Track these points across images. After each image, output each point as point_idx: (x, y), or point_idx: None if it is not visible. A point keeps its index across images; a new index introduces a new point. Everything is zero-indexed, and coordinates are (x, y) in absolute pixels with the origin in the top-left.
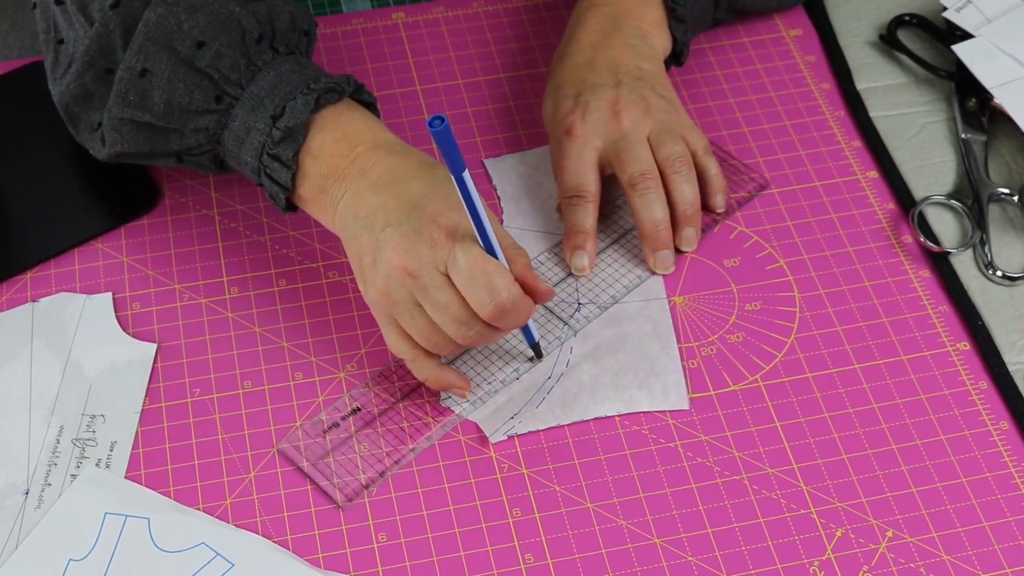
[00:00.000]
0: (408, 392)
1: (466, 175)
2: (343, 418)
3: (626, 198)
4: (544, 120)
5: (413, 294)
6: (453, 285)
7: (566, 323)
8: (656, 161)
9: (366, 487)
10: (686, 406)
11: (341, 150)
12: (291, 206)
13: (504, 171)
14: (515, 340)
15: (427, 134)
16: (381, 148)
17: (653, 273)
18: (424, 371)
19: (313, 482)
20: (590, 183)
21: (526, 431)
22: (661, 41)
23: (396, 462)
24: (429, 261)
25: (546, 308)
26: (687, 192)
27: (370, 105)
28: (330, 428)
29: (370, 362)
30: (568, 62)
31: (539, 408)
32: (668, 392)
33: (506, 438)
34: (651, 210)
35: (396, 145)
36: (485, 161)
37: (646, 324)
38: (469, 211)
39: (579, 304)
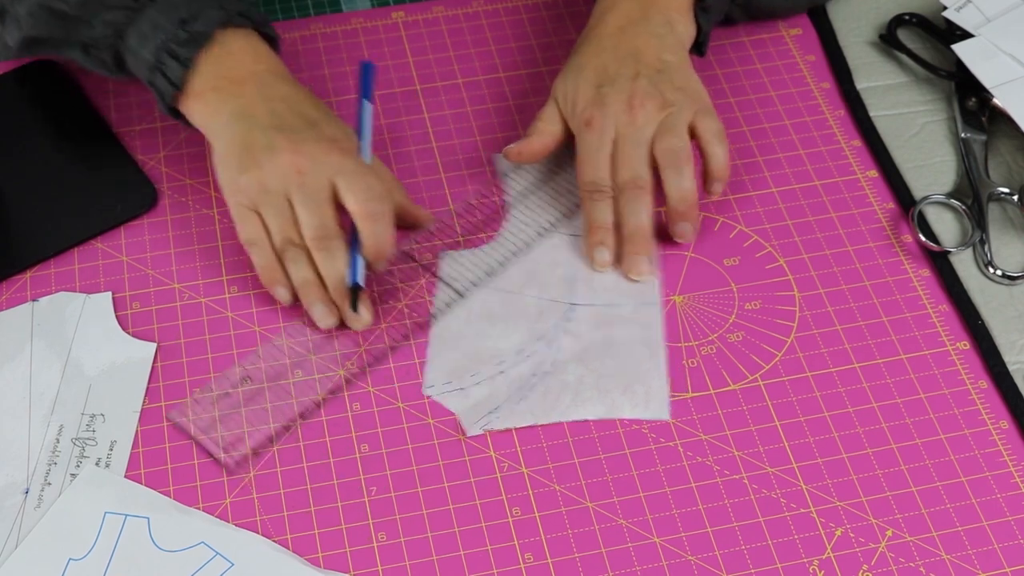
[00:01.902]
0: (299, 360)
1: (369, 105)
2: (233, 387)
3: (615, 195)
4: (560, 95)
5: (290, 191)
6: (334, 198)
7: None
8: (654, 154)
9: (254, 453)
10: (666, 416)
11: (245, 61)
12: (173, 111)
13: (512, 165)
14: (500, 336)
15: (423, 134)
16: (281, 76)
17: (633, 278)
18: (264, 258)
19: (203, 449)
20: (607, 178)
21: (503, 427)
22: (687, 29)
23: (285, 428)
24: (322, 165)
25: (542, 303)
26: (682, 186)
27: (272, 41)
28: (220, 397)
29: (369, 361)
30: (594, 45)
31: (519, 405)
32: (650, 400)
33: (482, 432)
34: (635, 215)
35: (294, 80)
36: (495, 156)
37: (636, 329)
38: (361, 138)
39: (571, 305)
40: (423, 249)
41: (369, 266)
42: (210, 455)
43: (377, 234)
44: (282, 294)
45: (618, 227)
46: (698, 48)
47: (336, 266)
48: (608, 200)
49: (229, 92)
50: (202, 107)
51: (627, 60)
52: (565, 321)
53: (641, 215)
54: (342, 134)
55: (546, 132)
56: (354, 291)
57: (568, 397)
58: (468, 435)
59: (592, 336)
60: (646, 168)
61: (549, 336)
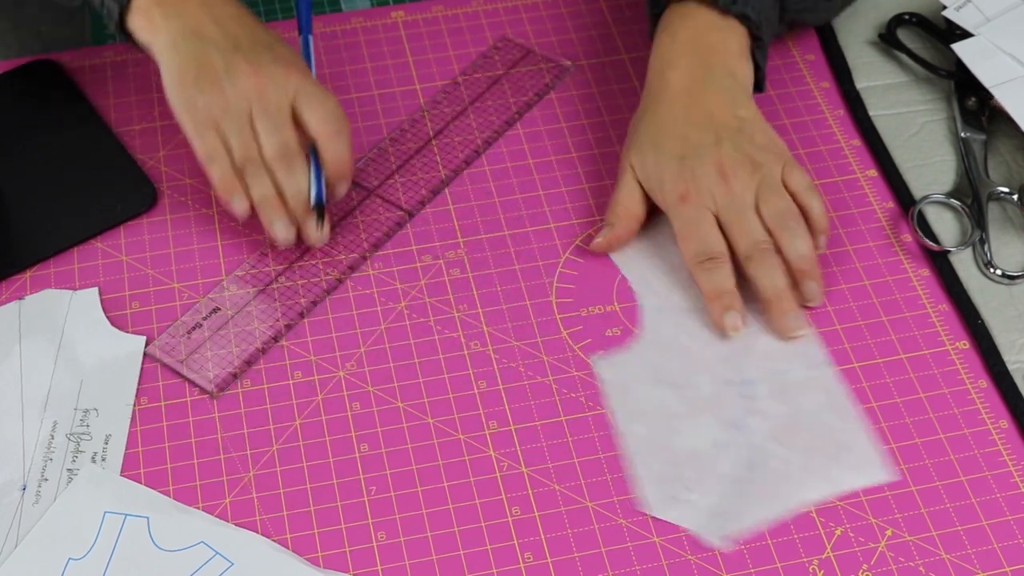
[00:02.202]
0: (264, 286)
1: (310, 39)
2: (204, 319)
3: (743, 271)
4: (640, 172)
5: (252, 111)
6: (292, 119)
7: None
8: (764, 219)
9: (235, 376)
10: (888, 477)
11: None
12: (122, 31)
13: (625, 250)
14: (692, 433)
15: (422, 133)
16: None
17: (789, 337)
18: (223, 171)
19: (185, 378)
20: (718, 243)
21: (742, 531)
22: (746, 73)
23: (261, 351)
24: (282, 87)
25: (715, 386)
26: (800, 247)
27: None
28: (193, 329)
29: (369, 361)
30: (664, 113)
31: (747, 504)
32: (863, 465)
33: (726, 543)
34: (770, 278)
35: (242, 5)
36: (612, 257)
37: (819, 395)
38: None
39: (746, 382)
40: (365, 173)
41: (329, 187)
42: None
43: (339, 153)
44: (240, 204)
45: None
46: (758, 86)
47: (298, 183)
48: (725, 266)
49: (173, 8)
50: (146, 23)
51: (705, 126)
52: (745, 400)
53: (776, 276)
54: (294, 57)
55: (630, 216)
56: (319, 208)
57: (786, 484)
58: (715, 548)
59: (777, 410)
60: (763, 231)
61: (737, 421)
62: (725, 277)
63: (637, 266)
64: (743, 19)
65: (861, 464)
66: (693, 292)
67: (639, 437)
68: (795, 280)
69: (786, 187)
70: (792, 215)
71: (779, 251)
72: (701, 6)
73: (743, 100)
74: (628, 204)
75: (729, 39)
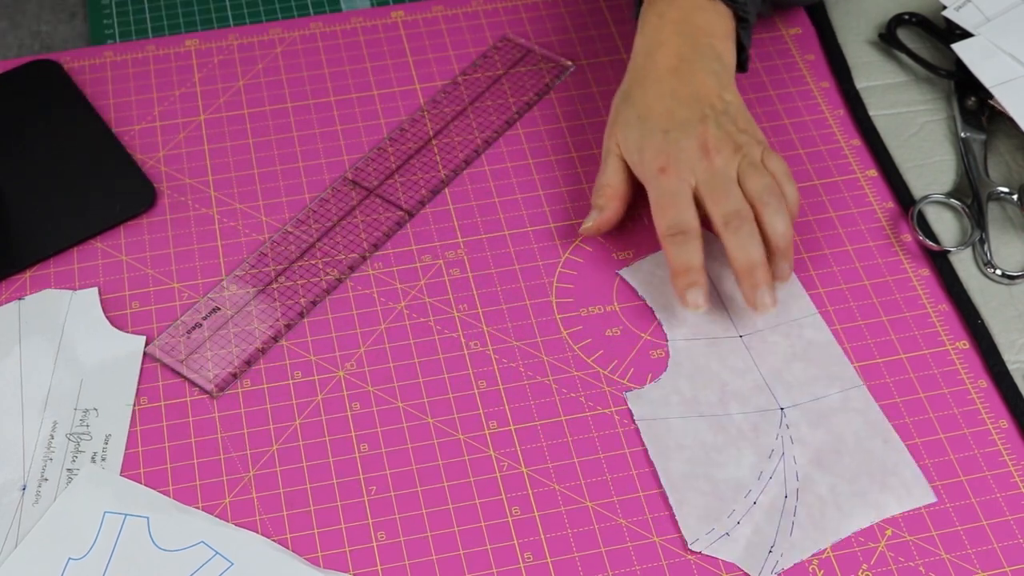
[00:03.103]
0: (266, 285)
1: None
2: (204, 319)
3: (719, 238)
4: (623, 146)
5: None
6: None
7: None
8: (746, 195)
9: (235, 376)
10: (932, 498)
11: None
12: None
13: (646, 278)
14: (731, 463)
15: (422, 132)
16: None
17: (758, 312)
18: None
19: (185, 378)
20: (692, 218)
21: (792, 564)
22: (731, 56)
23: (261, 351)
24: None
25: (751, 416)
26: (779, 224)
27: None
28: (193, 329)
29: (369, 360)
30: (651, 90)
31: (793, 535)
32: (911, 488)
33: None
34: (746, 249)
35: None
36: (621, 272)
37: (856, 418)
38: None
39: (781, 409)
40: (365, 173)
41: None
42: (195, 384)
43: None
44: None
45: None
46: (742, 66)
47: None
48: (695, 241)
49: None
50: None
51: (691, 103)
52: (784, 428)
53: (752, 247)
54: None
55: (617, 197)
56: None
57: (833, 512)
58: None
59: (816, 436)
60: (744, 202)
61: (778, 449)
62: (694, 252)
63: (661, 296)
64: (729, 1)
65: (908, 487)
66: (722, 322)
67: (677, 472)
68: (769, 257)
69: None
70: (774, 192)
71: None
72: None
73: (728, 83)
74: (614, 184)
75: (715, 21)
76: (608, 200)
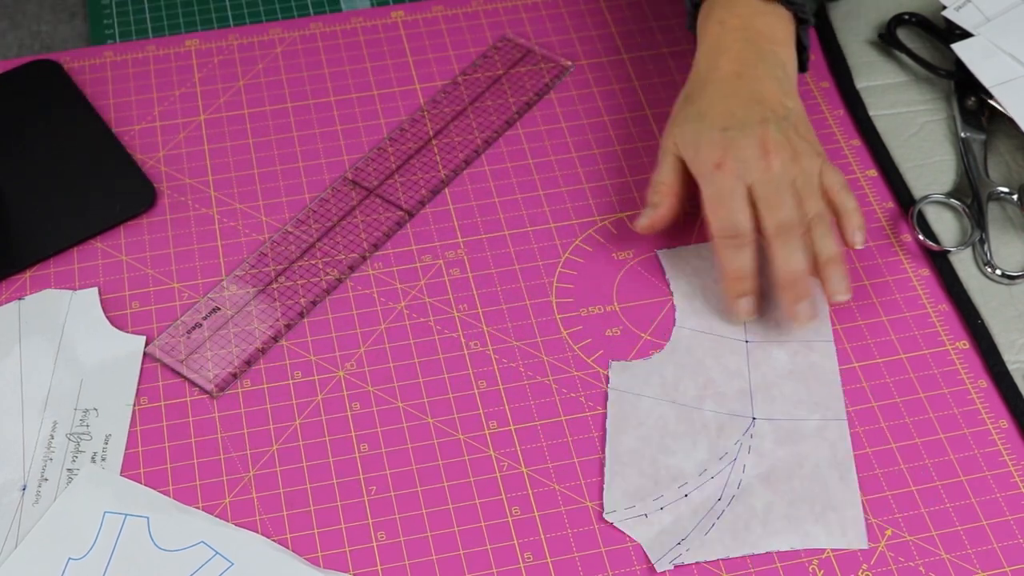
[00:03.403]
0: (266, 284)
1: None
2: (204, 319)
3: (765, 243)
4: (680, 143)
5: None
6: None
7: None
8: None
9: (235, 376)
10: (864, 545)
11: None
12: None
13: (679, 264)
14: (682, 454)
15: (422, 132)
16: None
17: (799, 324)
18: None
19: (185, 378)
20: (746, 221)
21: (694, 561)
22: (793, 62)
23: (261, 351)
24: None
25: (721, 416)
26: (828, 246)
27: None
28: (193, 329)
29: (369, 360)
30: (712, 90)
31: (708, 535)
32: (846, 528)
33: (672, 567)
34: (792, 259)
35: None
36: (659, 252)
37: (823, 447)
38: None
39: (753, 419)
40: (365, 173)
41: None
42: (195, 384)
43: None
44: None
45: (767, 274)
46: (803, 66)
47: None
48: (750, 248)
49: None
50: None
51: (752, 105)
52: (747, 437)
53: (798, 258)
54: None
55: (673, 194)
56: None
57: (758, 527)
58: (658, 570)
59: (777, 454)
60: (797, 213)
61: (732, 454)
62: (748, 259)
63: (688, 285)
64: (787, 3)
65: (844, 527)
66: (735, 324)
67: (625, 446)
68: (820, 276)
69: (823, 185)
70: (825, 219)
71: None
72: None
73: (791, 90)
74: (669, 182)
75: (776, 24)
76: (663, 197)
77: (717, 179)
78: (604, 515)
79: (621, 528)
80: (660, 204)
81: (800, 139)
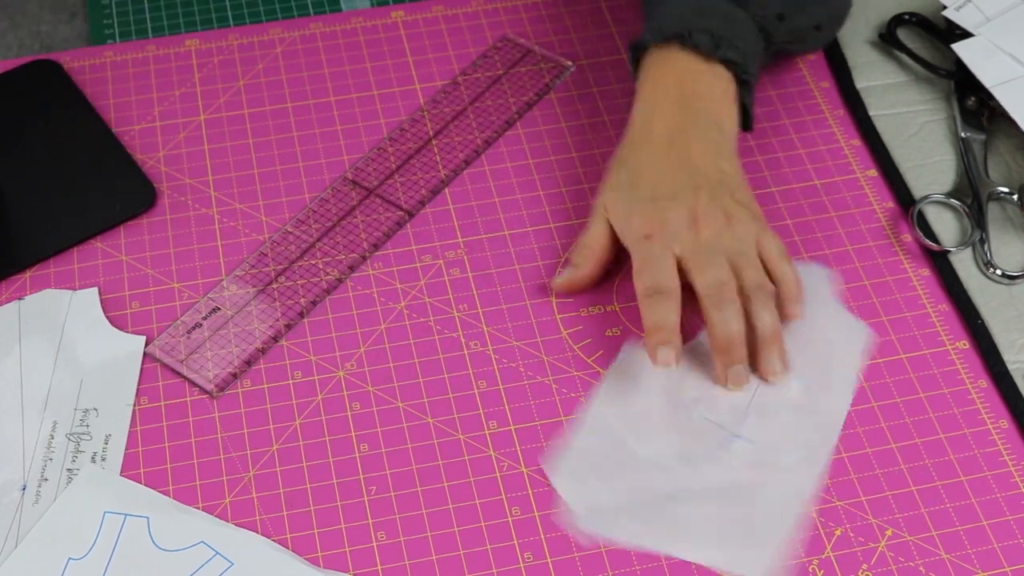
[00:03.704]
0: (264, 287)
1: None
2: (204, 319)
3: (701, 310)
4: (611, 210)
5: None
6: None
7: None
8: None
9: (235, 376)
10: None
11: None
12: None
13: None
14: (647, 441)
15: (423, 132)
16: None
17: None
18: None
19: (185, 378)
20: (671, 280)
21: (608, 536)
22: (732, 121)
23: (261, 351)
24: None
25: (705, 422)
26: (766, 318)
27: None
28: (193, 329)
29: (369, 360)
30: (645, 157)
31: (622, 514)
32: (751, 561)
33: (589, 531)
34: (727, 324)
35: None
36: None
37: (788, 485)
38: None
39: (735, 437)
40: (365, 173)
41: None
42: (195, 384)
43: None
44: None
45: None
46: (747, 125)
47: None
48: (672, 303)
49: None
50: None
51: (684, 172)
52: (717, 449)
53: (733, 321)
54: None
55: (596, 258)
56: None
57: (665, 526)
58: (580, 528)
59: (737, 475)
60: (729, 274)
61: (694, 459)
62: (669, 312)
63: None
64: (727, 63)
65: (749, 558)
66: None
67: (600, 418)
68: (758, 350)
69: (760, 251)
70: (765, 289)
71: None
72: (683, 51)
73: (727, 153)
74: (594, 245)
75: (714, 85)
76: (586, 260)
77: (645, 248)
78: (543, 462)
79: (548, 475)
80: (582, 266)
81: (736, 204)
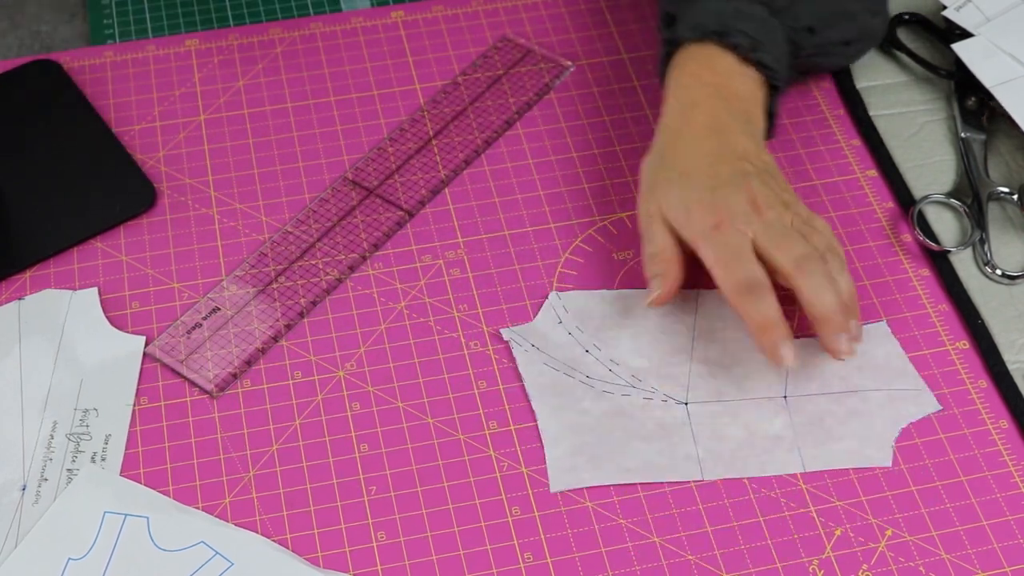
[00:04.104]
0: (266, 284)
1: None
2: (204, 319)
3: (790, 285)
4: (666, 207)
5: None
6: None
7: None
8: None
9: (235, 376)
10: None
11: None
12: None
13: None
14: (630, 348)
15: (423, 132)
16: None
17: (840, 358)
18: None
19: (185, 378)
20: (760, 270)
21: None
22: (762, 124)
23: (261, 351)
24: None
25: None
26: (842, 281)
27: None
28: (193, 329)
29: (369, 361)
30: (689, 149)
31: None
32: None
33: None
34: (822, 292)
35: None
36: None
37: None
38: None
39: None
40: (365, 173)
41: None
42: (195, 384)
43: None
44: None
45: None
46: (768, 132)
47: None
48: (771, 295)
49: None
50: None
51: (732, 160)
52: (665, 408)
53: (828, 291)
54: None
55: (675, 263)
56: None
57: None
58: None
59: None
60: (808, 245)
61: (677, 414)
62: (772, 306)
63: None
64: (762, 67)
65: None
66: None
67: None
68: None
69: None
70: (834, 249)
71: None
72: (722, 50)
73: (763, 148)
74: (666, 249)
75: (751, 87)
76: (666, 265)
77: (719, 238)
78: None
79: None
80: (666, 274)
81: (784, 190)
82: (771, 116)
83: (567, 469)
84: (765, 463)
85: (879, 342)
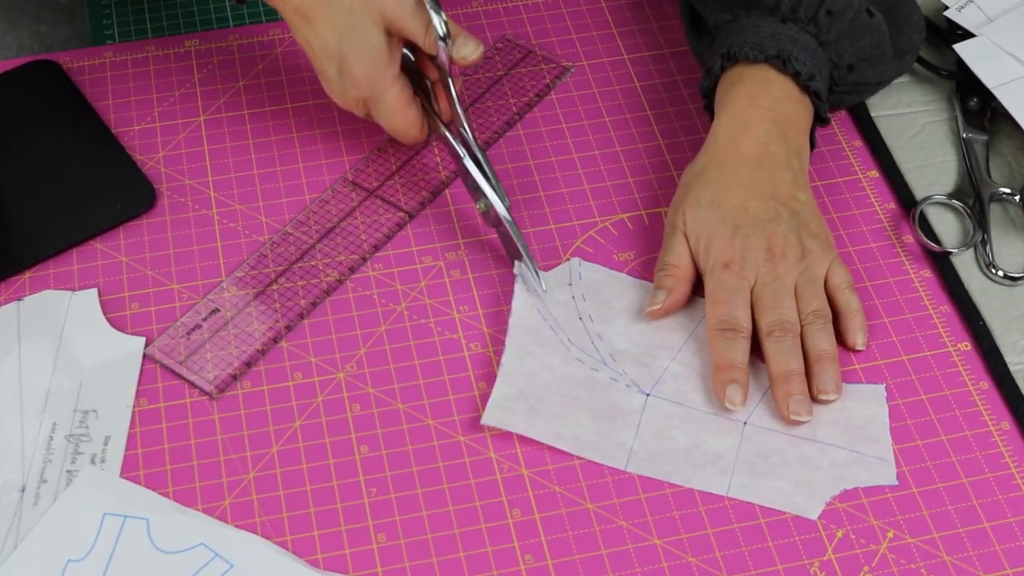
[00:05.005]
0: (264, 287)
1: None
2: (203, 320)
3: (761, 344)
4: (691, 231)
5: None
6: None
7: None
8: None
9: (235, 377)
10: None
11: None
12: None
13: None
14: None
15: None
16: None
17: (791, 422)
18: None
19: (185, 379)
20: (745, 319)
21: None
22: (807, 154)
23: (261, 352)
24: None
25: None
26: (822, 342)
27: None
28: (193, 330)
29: (369, 362)
30: (730, 176)
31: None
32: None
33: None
34: (785, 358)
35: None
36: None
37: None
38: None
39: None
40: (365, 174)
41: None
42: (195, 385)
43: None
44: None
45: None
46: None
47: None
48: (744, 342)
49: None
50: None
51: (766, 199)
52: (624, 391)
53: (792, 358)
54: None
55: (685, 278)
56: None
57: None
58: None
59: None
60: (793, 314)
61: (614, 390)
62: (740, 351)
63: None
64: (816, 97)
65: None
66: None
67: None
68: (810, 371)
69: (828, 282)
70: (822, 316)
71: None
72: (780, 75)
73: (803, 183)
74: (680, 265)
75: (803, 114)
76: (677, 281)
77: (723, 277)
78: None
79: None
80: (674, 289)
81: (810, 237)
82: (812, 146)
83: (505, 409)
84: (693, 476)
85: (866, 404)
